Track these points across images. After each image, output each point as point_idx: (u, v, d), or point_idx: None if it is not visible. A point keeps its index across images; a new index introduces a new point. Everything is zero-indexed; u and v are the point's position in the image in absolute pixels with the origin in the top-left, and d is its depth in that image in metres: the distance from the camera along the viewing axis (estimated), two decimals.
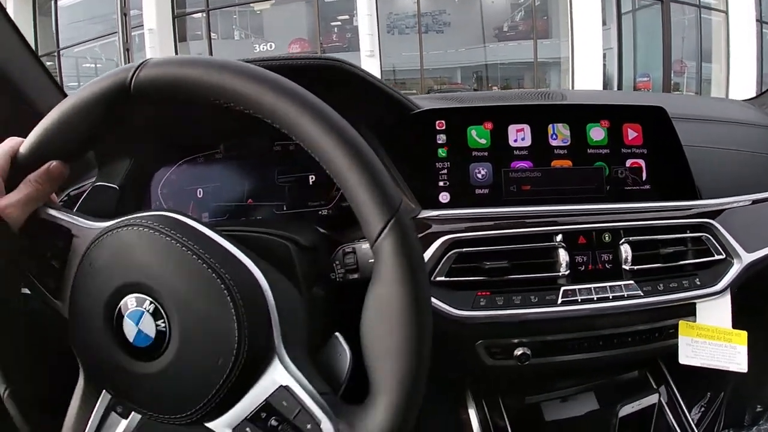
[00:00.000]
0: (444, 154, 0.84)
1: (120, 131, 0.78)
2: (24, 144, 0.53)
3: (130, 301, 0.49)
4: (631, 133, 0.87)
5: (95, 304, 0.50)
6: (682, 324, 0.84)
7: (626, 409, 0.96)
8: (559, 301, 0.79)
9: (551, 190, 0.85)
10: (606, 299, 0.79)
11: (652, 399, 0.98)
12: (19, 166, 0.53)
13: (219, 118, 0.84)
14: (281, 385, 0.48)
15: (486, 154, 0.84)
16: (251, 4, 11.55)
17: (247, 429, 0.48)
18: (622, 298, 0.80)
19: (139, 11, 10.38)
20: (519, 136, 0.85)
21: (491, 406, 0.95)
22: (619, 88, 10.65)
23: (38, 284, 0.54)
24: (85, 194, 0.58)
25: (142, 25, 10.46)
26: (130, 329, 0.49)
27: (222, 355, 0.46)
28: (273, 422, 0.47)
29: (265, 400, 0.48)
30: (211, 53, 10.99)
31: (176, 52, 10.84)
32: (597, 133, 0.87)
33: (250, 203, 0.92)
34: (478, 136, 0.85)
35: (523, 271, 0.79)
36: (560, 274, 0.79)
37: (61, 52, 11.63)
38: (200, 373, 0.47)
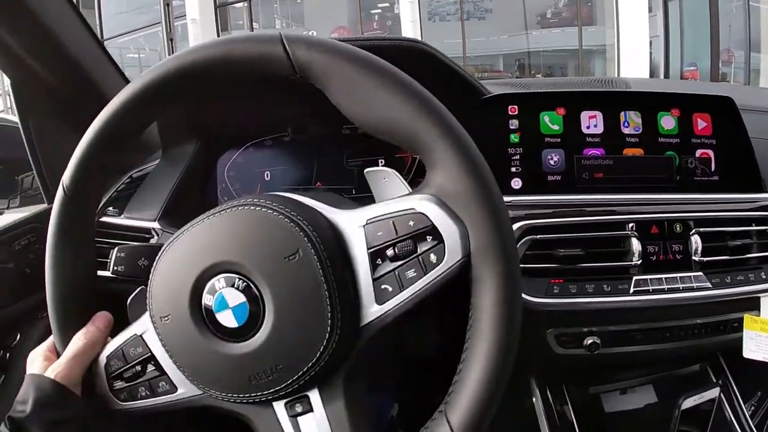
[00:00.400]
0: (516, 140, 0.84)
1: (190, 113, 0.80)
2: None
3: (207, 299, 0.50)
4: (701, 123, 0.86)
5: (190, 336, 0.51)
6: (747, 317, 0.82)
7: (688, 402, 0.95)
8: (631, 290, 0.78)
9: (623, 178, 0.84)
10: (676, 290, 0.79)
11: (713, 393, 0.96)
12: None
13: (288, 101, 0.86)
14: (363, 225, 0.49)
15: (558, 140, 0.84)
16: None
17: (383, 286, 0.48)
18: (691, 289, 0.79)
19: (182, 2, 10.57)
20: (591, 122, 0.84)
21: (555, 394, 0.95)
22: (666, 76, 10.36)
23: (161, 399, 0.55)
24: (128, 310, 0.63)
25: (185, 16, 10.65)
26: (226, 318, 0.50)
27: (298, 246, 0.47)
28: (389, 255, 0.48)
29: (367, 249, 0.48)
30: None
31: None
32: (668, 121, 0.85)
33: (318, 186, 0.94)
34: (551, 122, 0.84)
35: (595, 260, 0.79)
36: (632, 263, 0.78)
37: (105, 42, 11.93)
38: (304, 293, 0.48)
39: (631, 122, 0.85)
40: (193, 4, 10.69)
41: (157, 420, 0.59)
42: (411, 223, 0.47)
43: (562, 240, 0.79)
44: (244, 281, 0.49)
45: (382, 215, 0.48)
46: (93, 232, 0.61)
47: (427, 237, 0.46)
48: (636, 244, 0.78)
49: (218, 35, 10.94)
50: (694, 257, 0.80)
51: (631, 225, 0.80)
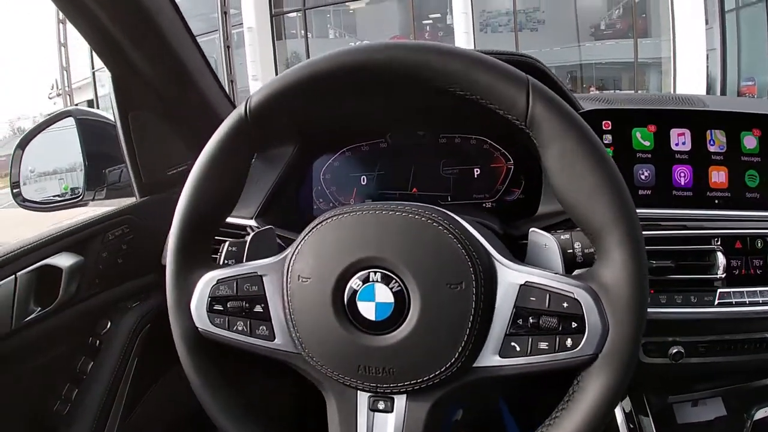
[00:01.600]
0: (609, 154, 0.88)
1: (289, 120, 0.83)
2: None
3: (355, 283, 0.53)
4: None
5: (322, 305, 0.54)
6: None
7: (760, 413, 0.97)
8: (716, 302, 0.82)
9: (709, 196, 0.87)
10: (756, 303, 0.82)
11: None
12: None
13: (389, 109, 0.91)
14: (520, 284, 0.52)
15: (649, 155, 0.88)
16: (346, 3, 11.79)
17: (512, 344, 0.51)
18: None
19: (238, 11, 10.85)
20: (680, 140, 0.88)
21: (636, 402, 0.98)
22: (723, 92, 10.04)
23: (254, 340, 0.58)
24: (246, 246, 0.65)
25: (242, 24, 10.93)
26: (367, 308, 0.53)
27: (463, 279, 0.51)
28: (531, 321, 0.51)
29: (514, 306, 0.51)
30: (307, 51, 11.34)
31: (274, 50, 11.29)
32: (750, 141, 0.88)
33: (414, 192, 0.98)
34: (643, 138, 0.88)
35: (683, 272, 0.82)
36: (717, 276, 0.82)
37: None
38: (449, 317, 0.51)
39: (717, 141, 0.88)
40: (250, 13, 10.96)
41: (234, 355, 0.61)
42: (565, 304, 0.50)
43: (653, 252, 0.82)
44: (399, 286, 0.52)
45: (542, 285, 0.51)
46: (248, 166, 0.63)
47: (573, 323, 0.49)
48: (721, 259, 0.81)
49: (273, 44, 11.19)
50: None
51: (716, 240, 0.83)
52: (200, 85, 1.04)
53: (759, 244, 0.84)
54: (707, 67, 9.60)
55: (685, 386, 1.01)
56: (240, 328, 0.58)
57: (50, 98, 15.93)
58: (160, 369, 1.04)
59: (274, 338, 0.57)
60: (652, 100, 1.13)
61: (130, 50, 0.91)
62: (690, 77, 9.31)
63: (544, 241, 0.60)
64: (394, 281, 0.53)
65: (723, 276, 0.82)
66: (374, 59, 0.53)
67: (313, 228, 0.57)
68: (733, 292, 0.82)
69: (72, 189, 1.11)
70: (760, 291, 0.82)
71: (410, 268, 0.52)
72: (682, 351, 0.84)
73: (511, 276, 0.53)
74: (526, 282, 0.52)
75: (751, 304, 0.82)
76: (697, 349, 0.85)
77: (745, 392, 1.01)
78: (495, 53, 0.77)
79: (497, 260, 0.54)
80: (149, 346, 1.00)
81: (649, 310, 0.80)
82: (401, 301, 0.52)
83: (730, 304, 0.82)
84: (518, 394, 1.02)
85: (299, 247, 0.57)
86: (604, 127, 0.89)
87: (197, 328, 0.59)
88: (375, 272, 0.53)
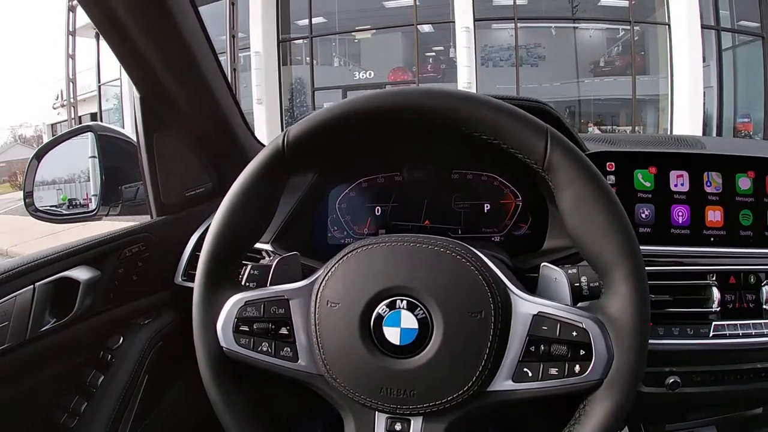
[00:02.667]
0: None
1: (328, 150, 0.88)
2: None
3: (382, 309, 0.57)
4: None
5: (350, 329, 0.57)
6: None
7: None
8: (711, 334, 0.86)
9: (705, 234, 0.92)
10: (749, 335, 0.86)
11: None
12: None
13: (407, 145, 0.96)
14: (533, 315, 0.56)
15: (650, 195, 0.93)
16: (351, 33, 11.98)
17: (525, 369, 0.55)
18: (762, 335, 0.86)
19: (246, 35, 10.99)
20: (679, 181, 0.93)
21: (633, 430, 1.01)
22: (719, 128, 10.17)
23: (277, 361, 0.60)
24: (272, 270, 0.68)
25: (249, 48, 11.06)
26: (392, 333, 0.57)
27: (483, 308, 0.55)
28: (543, 348, 0.55)
29: (528, 334, 0.55)
30: (312, 78, 11.50)
31: (279, 75, 11.40)
32: (744, 182, 0.93)
33: (426, 224, 1.02)
34: (644, 179, 0.93)
35: (680, 305, 0.86)
36: (712, 310, 0.86)
37: None
38: (468, 344, 0.55)
39: (713, 182, 0.93)
40: (257, 38, 11.06)
41: (257, 375, 0.63)
42: (574, 333, 0.54)
43: (652, 287, 0.84)
44: (424, 314, 0.56)
45: (554, 315, 0.56)
46: (280, 195, 0.67)
47: (581, 350, 0.54)
48: (716, 293, 0.86)
49: (279, 69, 11.28)
50: (765, 306, 0.88)
51: (712, 275, 0.88)
52: (225, 114, 1.08)
53: (752, 280, 0.89)
54: (704, 104, 9.73)
55: (681, 415, 1.04)
56: (265, 349, 0.60)
57: (54, 108, 16.01)
58: (169, 386, 1.06)
59: (298, 359, 0.60)
60: (653, 142, 1.17)
61: (162, 72, 0.94)
62: (687, 114, 9.42)
63: (554, 275, 0.65)
64: (419, 309, 0.57)
65: (718, 309, 0.86)
66: (412, 103, 0.59)
67: (343, 256, 0.61)
68: (727, 324, 0.86)
69: (70, 200, 1.14)
70: (752, 324, 0.87)
71: (435, 297, 0.56)
72: (679, 381, 0.88)
73: (525, 306, 0.57)
74: (539, 312, 0.56)
75: (744, 336, 0.86)
76: (693, 379, 0.89)
77: (739, 421, 1.04)
78: (509, 99, 0.83)
79: (512, 291, 0.58)
80: (160, 363, 1.02)
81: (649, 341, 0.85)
82: (425, 327, 0.56)
83: (724, 336, 0.86)
84: (510, 420, 1.04)
85: (329, 274, 0.60)
86: (608, 168, 0.94)
87: (222, 347, 0.62)
88: (401, 300, 0.57)
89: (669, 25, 9.72)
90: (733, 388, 0.90)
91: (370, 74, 11.71)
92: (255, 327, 0.61)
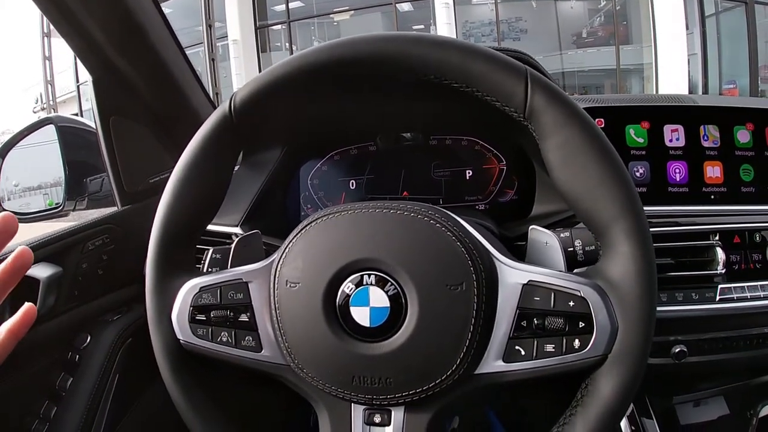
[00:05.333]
0: None
1: (275, 121, 0.79)
2: None
3: (347, 287, 0.50)
4: None
5: (313, 311, 0.50)
6: None
7: (765, 410, 0.96)
8: (717, 298, 0.80)
9: (705, 191, 0.86)
10: (758, 298, 0.81)
11: None
12: None
13: (378, 110, 0.89)
14: (523, 284, 0.49)
15: (644, 152, 0.87)
16: (330, 15, 11.84)
17: (517, 347, 0.48)
18: None
19: (223, 24, 10.87)
20: (674, 136, 0.87)
21: (638, 404, 0.96)
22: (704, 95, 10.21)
23: (239, 352, 0.54)
24: (231, 252, 0.61)
25: (226, 37, 10.95)
26: (360, 313, 0.49)
27: (464, 279, 0.48)
28: (536, 323, 0.48)
29: (518, 307, 0.48)
30: None
31: (259, 62, 11.29)
32: (743, 135, 0.88)
33: (405, 195, 0.96)
34: (636, 134, 0.87)
35: (683, 269, 0.81)
36: (717, 272, 0.81)
37: None
38: (449, 321, 0.48)
39: (710, 136, 0.87)
40: (235, 26, 10.98)
41: (218, 367, 0.57)
42: (571, 303, 0.47)
43: None
44: (396, 289, 0.49)
45: (546, 284, 0.48)
46: (233, 168, 0.60)
47: (580, 322, 0.47)
48: (720, 254, 0.80)
49: (258, 56, 11.20)
50: None
51: (715, 235, 0.82)
52: (184, 90, 1.01)
53: (757, 238, 0.84)
54: (689, 71, 9.75)
55: (688, 386, 1.00)
56: (224, 339, 0.54)
57: (35, 112, 15.86)
58: (143, 385, 1.00)
59: (261, 349, 0.54)
60: (643, 99, 1.12)
61: (112, 52, 0.88)
62: (672, 82, 9.45)
63: (544, 238, 0.58)
64: (389, 284, 0.49)
65: (723, 271, 0.81)
66: (367, 51, 0.50)
67: (301, 229, 0.53)
68: (734, 287, 0.81)
69: (56, 204, 1.06)
70: (761, 285, 0.82)
71: (407, 269, 0.49)
72: (685, 350, 0.83)
73: (513, 275, 0.49)
74: (530, 281, 0.48)
75: (753, 299, 0.81)
76: (700, 347, 0.84)
77: (748, 389, 1.00)
78: (497, 49, 0.76)
79: (498, 260, 0.51)
80: (131, 362, 0.96)
81: None
82: (398, 305, 0.49)
83: (731, 300, 0.81)
84: (509, 401, 1.00)
85: (287, 251, 0.53)
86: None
87: (179, 340, 0.55)
88: (369, 275, 0.49)
89: None
90: (742, 355, 0.85)
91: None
92: (212, 315, 0.54)
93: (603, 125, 0.87)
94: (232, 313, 0.54)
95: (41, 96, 14.26)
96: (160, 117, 1.01)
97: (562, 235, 0.58)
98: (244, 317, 0.54)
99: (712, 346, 0.84)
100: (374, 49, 0.50)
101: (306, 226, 0.53)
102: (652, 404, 0.96)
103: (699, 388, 1.00)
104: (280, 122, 0.85)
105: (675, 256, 0.81)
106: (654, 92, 9.82)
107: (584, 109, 0.85)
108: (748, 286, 0.81)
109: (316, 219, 0.53)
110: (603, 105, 0.89)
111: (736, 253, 0.82)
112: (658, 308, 0.78)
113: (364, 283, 0.49)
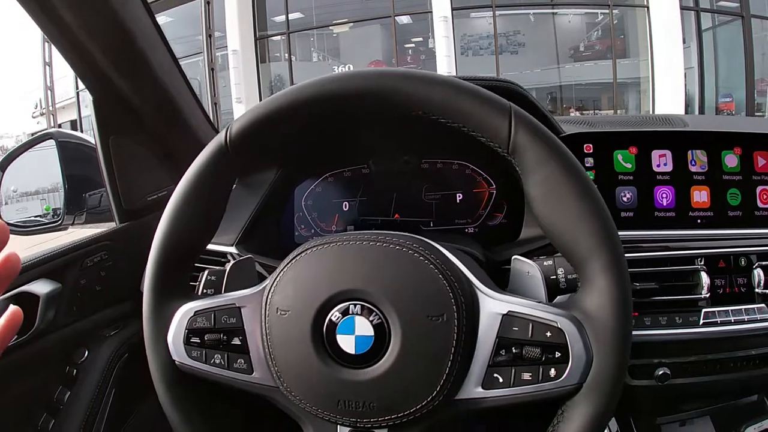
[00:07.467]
0: (591, 177, 0.88)
1: (275, 144, 0.80)
2: None
3: (335, 316, 0.52)
4: (761, 161, 0.90)
5: (301, 338, 0.53)
6: None
7: (751, 431, 0.97)
8: (701, 322, 0.82)
9: (692, 216, 0.88)
10: (741, 321, 0.82)
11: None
12: None
13: (371, 135, 0.91)
14: (503, 314, 0.51)
15: (631, 178, 0.88)
16: (329, 27, 11.89)
17: (495, 375, 0.50)
18: (755, 320, 0.82)
19: (223, 33, 10.89)
20: (662, 161, 0.89)
21: (622, 424, 0.97)
22: (701, 109, 10.25)
23: (231, 374, 0.56)
24: (225, 276, 0.64)
25: (226, 47, 10.96)
26: (346, 341, 0.51)
27: (444, 311, 0.50)
28: (514, 351, 0.50)
29: (497, 336, 0.50)
30: (291, 74, 11.45)
31: (258, 73, 11.34)
32: (731, 159, 0.89)
33: (396, 218, 0.97)
34: (624, 160, 0.89)
35: (667, 293, 0.82)
36: (701, 296, 0.82)
37: None
38: (430, 350, 0.50)
39: (698, 161, 0.89)
40: (234, 36, 10.99)
41: (210, 387, 0.59)
42: (548, 334, 0.49)
43: (637, 274, 0.82)
44: (380, 319, 0.51)
45: (524, 315, 0.50)
46: (228, 194, 0.62)
47: (556, 352, 0.49)
48: (705, 278, 0.82)
49: (257, 67, 11.21)
50: (756, 290, 0.83)
51: (700, 259, 0.84)
52: (183, 111, 1.03)
53: (742, 262, 0.85)
54: (685, 85, 9.79)
55: (673, 407, 1.00)
56: (218, 361, 0.56)
57: (34, 117, 15.84)
58: (139, 399, 1.01)
59: (253, 371, 0.56)
60: (633, 122, 1.14)
61: (112, 74, 0.89)
62: (668, 96, 9.49)
63: (526, 268, 0.60)
64: (374, 314, 0.51)
65: (707, 295, 0.82)
66: (358, 86, 0.53)
67: (292, 259, 0.56)
68: (718, 311, 0.83)
69: (54, 210, 1.10)
70: (744, 309, 0.83)
71: (390, 301, 0.51)
72: (668, 372, 0.84)
73: (493, 305, 0.52)
74: (509, 311, 0.51)
75: (737, 322, 0.82)
76: (684, 370, 0.85)
77: (734, 410, 1.00)
78: (475, 79, 0.77)
79: (479, 289, 0.53)
80: (127, 376, 0.98)
81: (633, 333, 0.81)
82: (381, 334, 0.51)
83: (715, 324, 0.82)
84: (494, 424, 1.00)
85: (278, 279, 0.55)
86: (585, 150, 0.89)
87: (174, 360, 0.58)
88: (355, 305, 0.52)
89: (648, 8, 9.78)
90: (727, 377, 0.86)
91: (349, 68, 11.50)
92: (206, 338, 0.57)
93: (591, 150, 0.89)
94: (225, 337, 0.56)
95: (41, 101, 14.25)
96: (159, 137, 1.02)
97: (545, 263, 0.61)
98: (236, 340, 0.56)
99: (697, 369, 0.85)
100: (364, 84, 0.53)
101: (297, 255, 0.55)
102: (637, 424, 0.97)
103: (685, 409, 1.01)
104: (276, 147, 0.87)
105: (660, 280, 0.82)
106: (650, 105, 9.86)
107: (573, 134, 0.88)
108: (732, 310, 0.82)
109: (307, 249, 0.55)
110: (591, 130, 0.91)
111: (721, 277, 0.84)
112: (642, 332, 0.80)
113: (350, 312, 0.52)
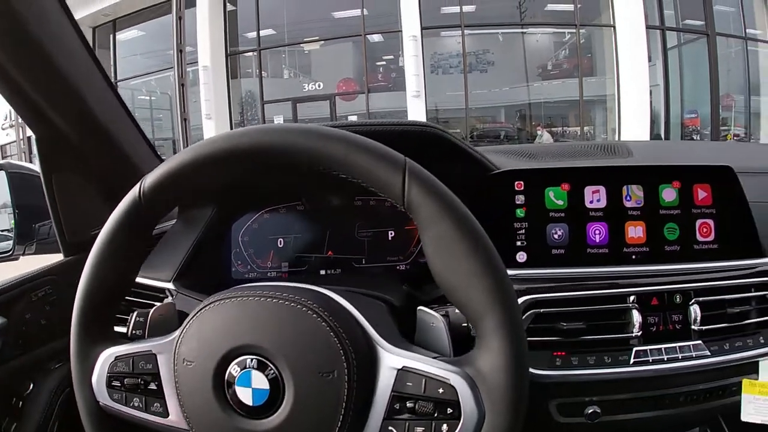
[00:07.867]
0: (522, 215, 0.87)
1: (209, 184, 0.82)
2: None
3: (234, 369, 0.53)
4: (701, 194, 0.88)
5: (205, 388, 0.54)
6: (745, 382, 0.84)
7: None
8: (632, 361, 0.80)
9: (626, 252, 0.86)
10: (675, 359, 0.80)
11: None
12: None
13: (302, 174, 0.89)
14: (398, 369, 0.51)
15: (563, 215, 0.87)
16: (300, 45, 11.91)
17: (390, 428, 0.51)
18: (690, 358, 0.81)
19: (194, 48, 10.83)
20: (595, 197, 0.87)
21: None
22: (666, 125, 10.50)
23: (149, 416, 0.59)
24: (148, 321, 0.67)
25: (197, 62, 10.90)
26: (244, 393, 0.53)
27: (335, 368, 0.50)
28: (408, 406, 0.50)
29: (392, 391, 0.51)
30: (261, 91, 11.47)
31: (228, 89, 11.30)
32: (669, 194, 0.88)
33: (330, 255, 0.96)
34: (556, 197, 0.87)
35: (597, 332, 0.81)
36: (633, 335, 0.81)
37: (118, 83, 12.08)
38: (321, 405, 0.51)
39: (633, 196, 0.88)
40: (205, 52, 10.95)
41: (134, 428, 0.61)
42: (440, 390, 0.49)
43: (565, 313, 0.81)
44: (275, 373, 0.52)
45: (419, 371, 0.51)
46: (144, 244, 0.64)
47: (448, 409, 0.49)
48: (636, 316, 0.81)
49: (228, 83, 11.16)
50: (693, 326, 0.82)
51: (632, 297, 0.82)
52: (124, 146, 1.04)
53: (677, 299, 0.83)
54: (651, 102, 10.01)
55: None
56: (136, 404, 0.59)
57: (3, 129, 15.62)
58: (82, 431, 0.99)
59: (168, 415, 0.58)
60: (576, 152, 1.13)
61: (50, 113, 0.90)
62: (634, 113, 9.70)
63: (431, 320, 0.60)
64: (269, 368, 0.52)
65: (639, 334, 0.81)
66: (262, 142, 0.54)
67: (197, 312, 0.57)
68: (650, 349, 0.81)
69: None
70: (679, 347, 0.81)
71: (284, 356, 0.52)
72: (599, 410, 0.82)
73: (390, 360, 0.53)
74: (404, 366, 0.51)
75: (670, 360, 0.80)
76: (617, 407, 0.83)
77: None
78: (391, 124, 0.77)
79: (377, 343, 0.54)
80: (71, 408, 0.95)
81: (561, 372, 0.79)
82: (276, 387, 0.52)
83: (646, 362, 0.80)
84: None
85: (185, 331, 0.57)
86: (516, 188, 0.88)
87: (99, 402, 0.60)
88: (251, 359, 0.53)
89: (614, 27, 10.00)
90: (660, 413, 0.85)
91: (319, 85, 11.70)
92: (126, 382, 0.59)
93: (522, 188, 0.88)
94: (142, 381, 0.59)
95: (10, 113, 14.06)
96: (101, 172, 1.04)
97: (455, 311, 0.60)
98: (153, 385, 0.59)
99: (628, 406, 0.84)
100: (269, 140, 0.54)
101: (202, 308, 0.57)
102: None
103: None
104: (204, 188, 0.88)
105: (588, 319, 0.81)
106: (617, 122, 10.06)
107: (504, 172, 0.86)
108: (665, 348, 0.81)
109: (211, 303, 0.57)
110: (523, 167, 0.90)
111: (655, 314, 0.82)
112: (569, 371, 0.79)
113: (247, 366, 0.53)
